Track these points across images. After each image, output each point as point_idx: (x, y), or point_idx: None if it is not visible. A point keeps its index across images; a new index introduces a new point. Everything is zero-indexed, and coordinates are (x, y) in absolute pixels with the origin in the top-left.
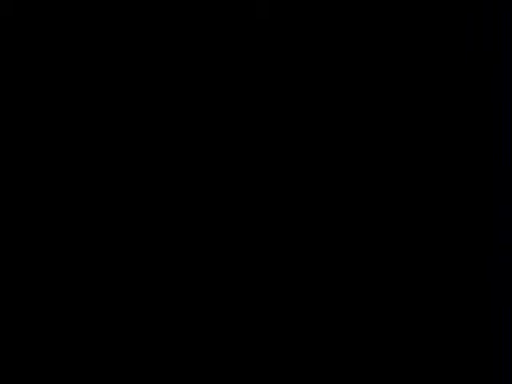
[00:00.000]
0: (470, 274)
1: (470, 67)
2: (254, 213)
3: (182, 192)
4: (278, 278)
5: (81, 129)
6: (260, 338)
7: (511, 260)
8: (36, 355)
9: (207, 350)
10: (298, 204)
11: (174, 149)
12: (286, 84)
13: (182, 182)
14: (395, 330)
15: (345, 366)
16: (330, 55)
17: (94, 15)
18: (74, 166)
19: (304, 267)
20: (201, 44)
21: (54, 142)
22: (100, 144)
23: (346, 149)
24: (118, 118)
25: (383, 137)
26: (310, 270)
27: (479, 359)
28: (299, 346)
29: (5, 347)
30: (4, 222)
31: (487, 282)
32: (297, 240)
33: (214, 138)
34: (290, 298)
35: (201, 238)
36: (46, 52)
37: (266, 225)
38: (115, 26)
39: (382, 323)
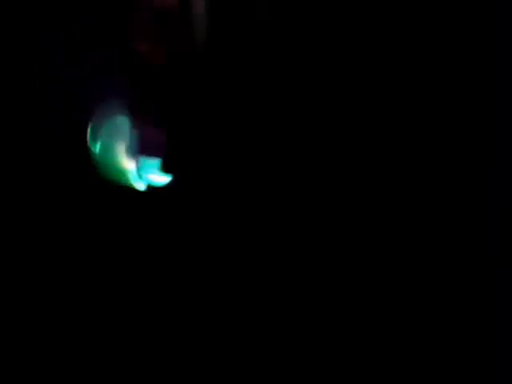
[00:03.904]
0: (470, 274)
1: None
2: (253, 212)
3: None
4: (278, 278)
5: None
6: (260, 337)
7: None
8: (36, 355)
9: (207, 349)
10: (298, 204)
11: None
12: (286, 84)
13: (180, 181)
14: (396, 329)
15: (345, 366)
16: (330, 55)
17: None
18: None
19: (305, 268)
20: (200, 44)
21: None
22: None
23: (346, 148)
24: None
25: (383, 137)
26: (312, 269)
27: (480, 359)
28: (299, 346)
29: (5, 347)
30: (4, 221)
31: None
32: (297, 240)
33: (214, 137)
34: (289, 297)
35: (200, 237)
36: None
37: (266, 224)
38: (115, 24)
39: (382, 323)
